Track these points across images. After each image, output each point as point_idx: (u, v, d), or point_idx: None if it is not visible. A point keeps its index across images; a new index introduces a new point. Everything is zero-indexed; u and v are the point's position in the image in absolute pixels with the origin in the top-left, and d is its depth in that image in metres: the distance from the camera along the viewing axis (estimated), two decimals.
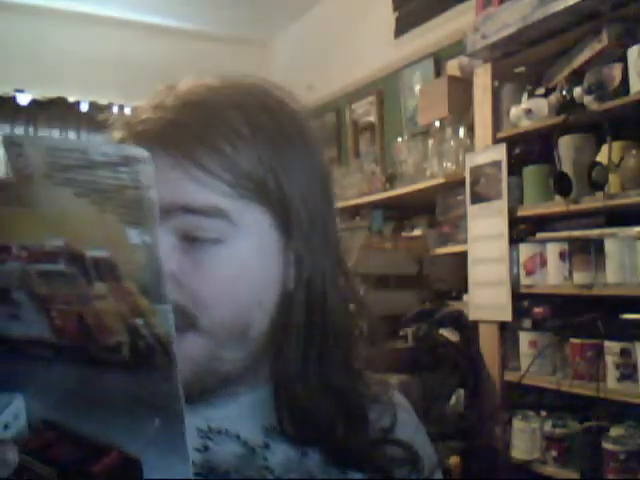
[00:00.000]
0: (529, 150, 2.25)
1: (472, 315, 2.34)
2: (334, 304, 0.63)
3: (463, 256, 2.41)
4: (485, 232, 2.30)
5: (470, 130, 2.50)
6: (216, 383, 0.58)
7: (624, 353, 1.84)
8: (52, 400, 0.42)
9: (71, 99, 4.23)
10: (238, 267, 0.57)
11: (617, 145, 1.92)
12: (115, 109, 4.34)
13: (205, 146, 0.55)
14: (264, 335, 0.60)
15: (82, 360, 0.40)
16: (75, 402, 0.42)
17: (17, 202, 0.37)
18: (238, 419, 0.61)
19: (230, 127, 0.57)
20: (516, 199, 2.23)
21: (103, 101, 4.30)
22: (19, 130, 4.15)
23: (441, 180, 2.61)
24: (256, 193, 0.57)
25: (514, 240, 2.20)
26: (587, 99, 1.97)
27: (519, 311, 2.20)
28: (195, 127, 0.56)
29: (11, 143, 0.37)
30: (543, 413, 2.11)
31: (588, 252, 1.95)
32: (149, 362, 0.38)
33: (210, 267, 0.55)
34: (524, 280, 2.17)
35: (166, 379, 0.38)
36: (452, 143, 2.65)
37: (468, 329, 2.34)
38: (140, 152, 0.35)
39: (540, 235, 2.17)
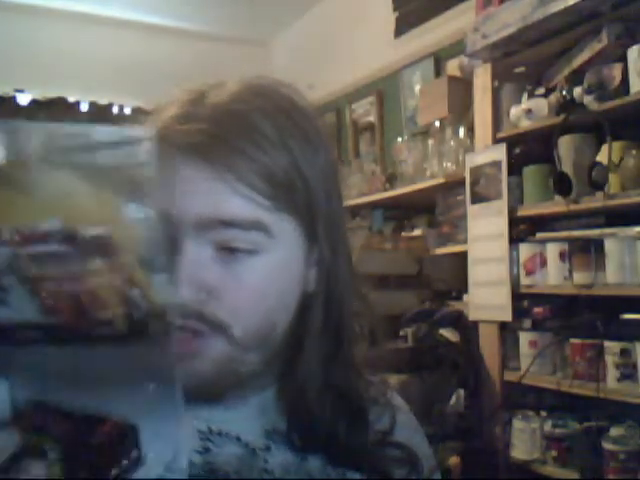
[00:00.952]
0: (529, 150, 2.25)
1: (472, 315, 2.34)
2: (348, 304, 0.64)
3: (463, 256, 2.41)
4: (485, 232, 2.30)
5: (470, 130, 2.50)
6: (231, 384, 0.58)
7: (624, 353, 1.84)
8: (40, 381, 0.43)
9: (71, 99, 4.23)
10: (271, 278, 0.58)
11: (617, 145, 1.92)
12: (115, 109, 4.34)
13: (246, 159, 0.56)
14: (282, 336, 0.60)
15: (73, 338, 0.41)
16: (65, 380, 0.42)
17: (9, 186, 0.38)
18: (239, 421, 0.61)
19: (264, 136, 0.57)
20: (516, 199, 2.23)
21: (103, 101, 4.30)
22: None
23: (441, 180, 2.61)
24: (289, 201, 0.58)
25: (514, 240, 2.20)
26: (587, 99, 1.97)
27: (519, 311, 2.20)
28: (235, 139, 0.56)
29: (6, 129, 0.38)
30: (543, 413, 2.11)
31: (588, 252, 1.95)
32: (145, 332, 0.39)
33: (246, 279, 0.56)
34: (524, 280, 2.17)
35: (162, 346, 0.39)
36: (452, 143, 2.65)
37: (468, 329, 2.34)
38: (139, 131, 0.37)
39: (540, 235, 2.17)
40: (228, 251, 0.56)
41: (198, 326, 0.54)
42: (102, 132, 0.37)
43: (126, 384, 0.41)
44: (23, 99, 4.11)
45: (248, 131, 0.57)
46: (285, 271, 0.59)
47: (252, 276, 0.56)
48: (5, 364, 0.42)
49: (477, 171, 2.34)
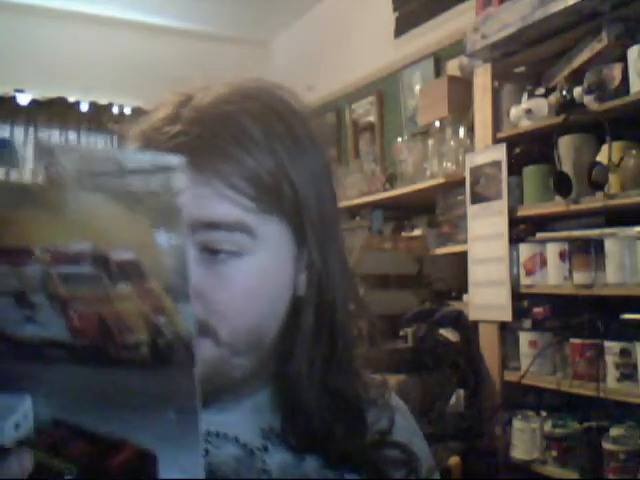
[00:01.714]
0: (529, 150, 2.25)
1: (472, 315, 2.34)
2: (342, 306, 0.63)
3: (463, 256, 2.41)
4: (485, 232, 2.30)
5: (470, 130, 2.50)
6: (223, 387, 0.58)
7: (624, 353, 1.84)
8: (63, 399, 0.43)
9: (71, 99, 4.23)
10: (258, 279, 0.57)
11: (617, 145, 1.92)
12: (115, 109, 4.34)
13: (231, 161, 0.56)
14: (273, 340, 0.60)
15: (98, 360, 0.41)
16: (88, 401, 0.42)
17: (45, 206, 0.38)
18: (237, 422, 0.61)
19: (250, 139, 0.57)
20: (516, 199, 2.22)
21: (103, 101, 4.30)
22: (19, 130, 4.15)
23: (441, 180, 2.61)
24: (274, 204, 0.58)
25: (514, 240, 2.20)
26: (587, 99, 1.97)
27: (519, 311, 2.19)
28: (219, 141, 0.56)
29: (43, 150, 0.38)
30: (543, 413, 2.11)
31: (588, 252, 1.95)
32: (169, 360, 0.39)
33: (231, 280, 0.56)
34: (524, 280, 2.17)
35: (185, 375, 0.39)
36: (452, 143, 2.65)
37: (468, 329, 2.34)
38: (174, 160, 0.37)
39: (540, 235, 2.17)
40: (211, 253, 0.55)
41: None
42: (137, 158, 0.37)
43: (148, 410, 0.41)
44: (23, 99, 4.11)
45: (233, 133, 0.56)
46: (272, 274, 0.59)
47: (236, 278, 0.56)
48: (30, 380, 0.43)
49: (477, 171, 2.34)
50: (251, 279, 0.57)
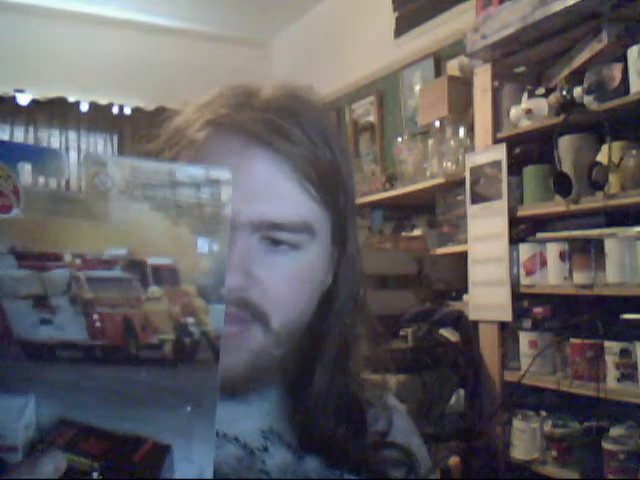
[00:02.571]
0: (529, 150, 2.25)
1: (472, 315, 2.34)
2: (365, 302, 0.65)
3: (463, 256, 2.41)
4: (485, 232, 2.30)
5: (470, 130, 2.50)
6: (255, 377, 0.59)
7: (624, 353, 1.84)
8: (74, 399, 0.43)
9: (71, 99, 4.23)
10: (309, 272, 0.60)
11: (617, 145, 1.92)
12: (115, 109, 4.34)
13: (301, 147, 0.58)
14: (300, 334, 0.61)
15: (116, 359, 0.43)
16: (104, 399, 0.43)
17: (84, 215, 0.40)
18: (238, 421, 0.61)
19: (314, 131, 0.59)
20: (516, 199, 2.22)
21: (103, 101, 4.30)
22: (19, 130, 4.15)
23: (441, 180, 2.61)
24: (331, 198, 0.60)
25: (514, 240, 2.20)
26: (587, 99, 1.97)
27: (519, 311, 2.19)
28: (291, 129, 0.58)
29: (94, 162, 0.39)
30: (543, 413, 2.11)
31: (588, 252, 1.95)
32: (192, 357, 0.41)
33: (290, 271, 0.58)
34: (524, 280, 2.17)
35: (208, 373, 0.41)
36: (452, 143, 2.65)
37: (468, 329, 2.34)
38: (224, 174, 0.39)
39: (540, 235, 2.17)
40: (273, 243, 0.57)
41: (240, 314, 0.56)
42: (188, 171, 0.39)
43: (165, 405, 0.42)
44: (23, 99, 4.11)
45: (301, 125, 0.59)
46: (319, 267, 0.61)
47: (294, 269, 0.58)
48: (39, 381, 0.43)
49: (477, 171, 2.34)
50: (304, 271, 0.59)
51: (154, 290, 0.40)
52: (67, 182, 0.41)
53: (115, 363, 0.42)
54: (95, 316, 0.42)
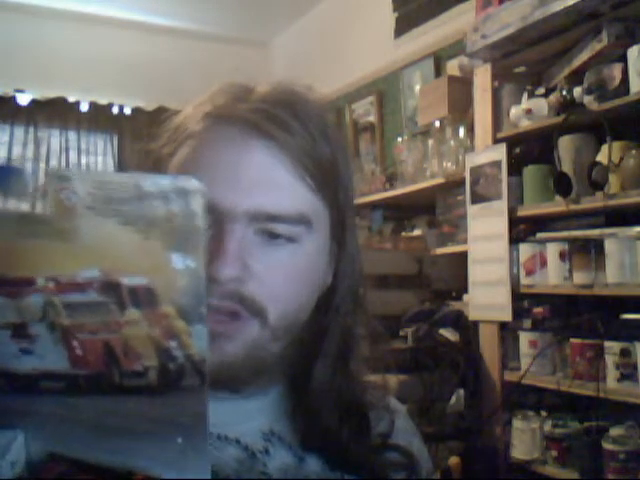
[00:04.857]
0: (529, 150, 2.25)
1: (472, 315, 2.34)
2: (365, 300, 0.65)
3: (463, 256, 2.41)
4: (485, 232, 2.30)
5: (470, 130, 2.50)
6: (253, 373, 0.58)
7: (624, 353, 1.84)
8: (61, 433, 0.42)
9: (71, 99, 4.23)
10: (307, 265, 0.59)
11: (617, 145, 1.92)
12: (115, 109, 4.34)
13: (299, 139, 0.58)
14: (298, 331, 0.61)
15: (100, 389, 0.41)
16: (90, 431, 0.42)
17: (53, 235, 0.38)
18: (239, 422, 0.60)
19: (312, 124, 0.59)
20: (516, 199, 2.22)
21: (103, 101, 4.30)
22: (19, 130, 4.15)
23: (441, 180, 2.61)
24: (328, 192, 0.60)
25: (514, 240, 2.20)
26: (587, 99, 1.97)
27: (519, 311, 2.19)
28: (290, 120, 0.58)
29: (58, 177, 0.37)
30: (543, 413, 2.11)
31: (588, 252, 1.94)
32: (178, 384, 0.39)
33: (287, 265, 0.58)
34: (524, 280, 2.17)
35: (195, 399, 0.39)
36: (452, 143, 2.65)
37: (468, 329, 2.34)
38: (193, 184, 0.37)
39: (540, 235, 2.17)
40: (270, 237, 0.57)
41: (236, 307, 0.55)
42: (155, 182, 0.37)
43: (154, 436, 0.40)
44: (23, 99, 4.11)
45: (300, 118, 0.59)
46: (317, 261, 0.61)
47: (292, 262, 0.58)
48: (25, 415, 0.42)
49: (477, 171, 2.34)
50: (302, 264, 0.59)
51: (132, 313, 0.38)
52: (33, 201, 0.40)
53: (100, 393, 0.40)
54: (75, 343, 0.40)
